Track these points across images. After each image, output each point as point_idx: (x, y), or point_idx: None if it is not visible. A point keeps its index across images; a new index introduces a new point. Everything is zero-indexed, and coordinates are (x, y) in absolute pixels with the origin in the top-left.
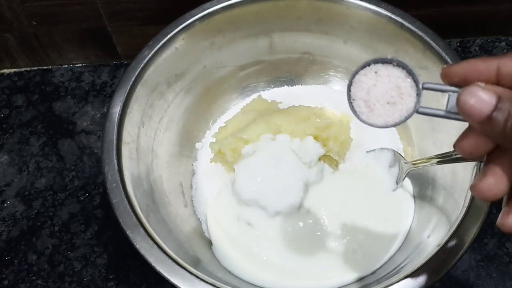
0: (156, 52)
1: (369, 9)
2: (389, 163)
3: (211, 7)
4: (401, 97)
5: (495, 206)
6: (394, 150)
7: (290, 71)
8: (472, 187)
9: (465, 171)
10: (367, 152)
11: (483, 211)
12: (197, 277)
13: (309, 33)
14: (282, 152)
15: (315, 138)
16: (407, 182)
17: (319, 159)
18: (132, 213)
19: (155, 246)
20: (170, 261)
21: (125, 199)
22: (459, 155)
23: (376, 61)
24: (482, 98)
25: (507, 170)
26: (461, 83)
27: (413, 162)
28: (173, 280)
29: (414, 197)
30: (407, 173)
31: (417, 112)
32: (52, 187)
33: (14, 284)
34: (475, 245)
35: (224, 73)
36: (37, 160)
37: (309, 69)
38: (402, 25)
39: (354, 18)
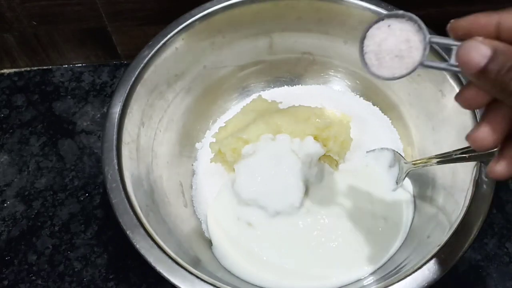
0: (156, 52)
1: (369, 9)
2: (389, 163)
3: (211, 7)
4: (410, 50)
5: (495, 206)
6: (394, 150)
7: (290, 71)
8: (467, 137)
9: (465, 171)
10: (367, 152)
11: (483, 211)
12: (197, 277)
13: (309, 33)
14: (282, 152)
15: (315, 138)
16: (407, 182)
17: (319, 159)
18: (132, 213)
19: (155, 246)
20: (170, 261)
21: (125, 199)
22: (459, 155)
23: (389, 16)
24: (478, 50)
25: (500, 122)
26: (465, 37)
27: (413, 162)
28: (173, 280)
29: (414, 197)
30: (407, 173)
31: (422, 65)
32: (52, 187)
33: (14, 284)
34: (475, 245)
35: (224, 73)
36: (37, 160)
37: (309, 69)
38: None
39: (354, 18)
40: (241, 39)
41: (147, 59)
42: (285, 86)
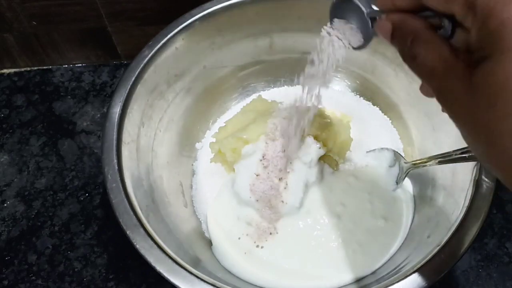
0: (156, 52)
1: None
2: (389, 163)
3: (211, 7)
4: (361, 26)
5: (495, 206)
6: (394, 150)
7: (290, 71)
8: (420, 88)
9: (465, 171)
10: (367, 152)
11: (483, 211)
12: (197, 277)
13: (309, 33)
14: None
15: (315, 138)
16: (407, 182)
17: (319, 159)
18: (132, 213)
19: (155, 246)
20: (170, 261)
21: (125, 199)
22: (459, 155)
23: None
24: (385, 25)
25: None
26: (386, 9)
27: (413, 162)
28: (173, 280)
29: (414, 197)
30: (407, 173)
31: (375, 34)
32: (52, 187)
33: (14, 284)
34: (475, 245)
35: (224, 73)
36: (37, 160)
37: None
38: None
39: None
40: (241, 39)
41: (147, 59)
42: (285, 86)
